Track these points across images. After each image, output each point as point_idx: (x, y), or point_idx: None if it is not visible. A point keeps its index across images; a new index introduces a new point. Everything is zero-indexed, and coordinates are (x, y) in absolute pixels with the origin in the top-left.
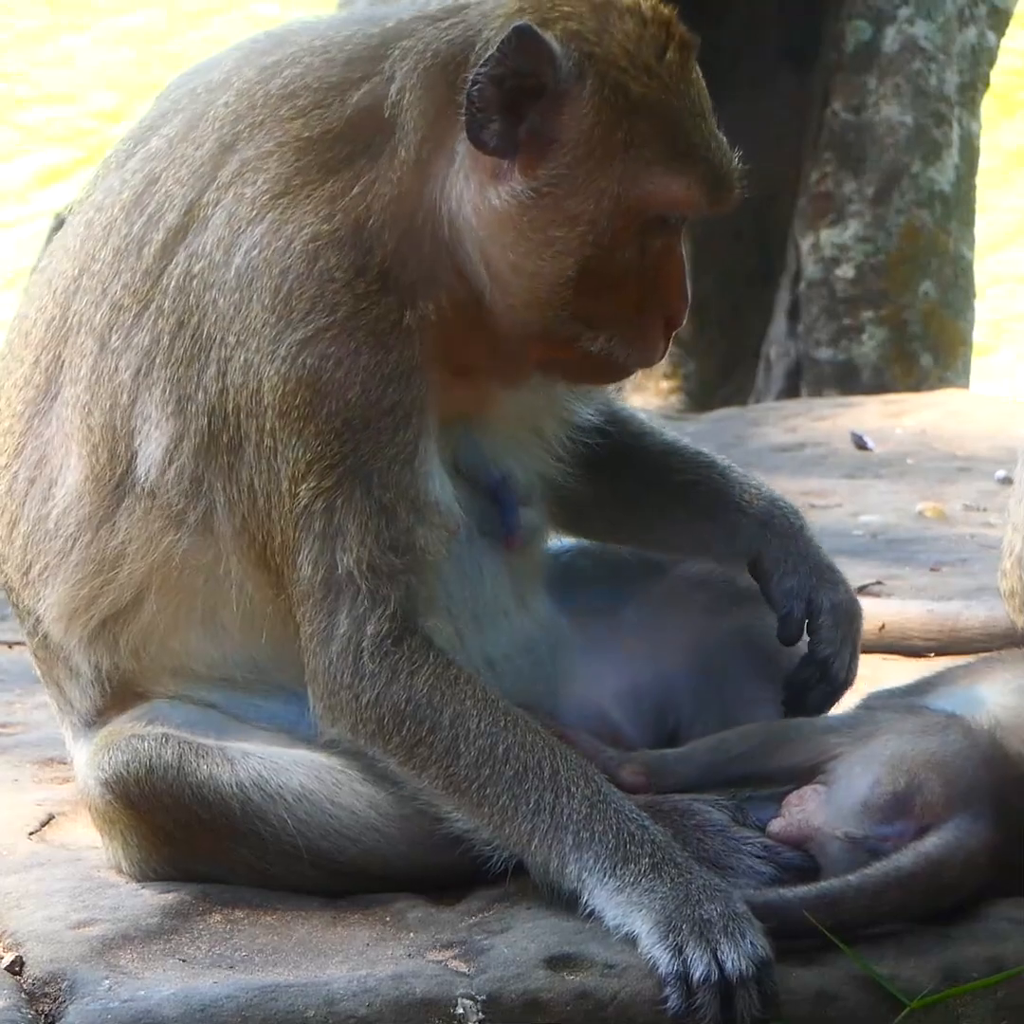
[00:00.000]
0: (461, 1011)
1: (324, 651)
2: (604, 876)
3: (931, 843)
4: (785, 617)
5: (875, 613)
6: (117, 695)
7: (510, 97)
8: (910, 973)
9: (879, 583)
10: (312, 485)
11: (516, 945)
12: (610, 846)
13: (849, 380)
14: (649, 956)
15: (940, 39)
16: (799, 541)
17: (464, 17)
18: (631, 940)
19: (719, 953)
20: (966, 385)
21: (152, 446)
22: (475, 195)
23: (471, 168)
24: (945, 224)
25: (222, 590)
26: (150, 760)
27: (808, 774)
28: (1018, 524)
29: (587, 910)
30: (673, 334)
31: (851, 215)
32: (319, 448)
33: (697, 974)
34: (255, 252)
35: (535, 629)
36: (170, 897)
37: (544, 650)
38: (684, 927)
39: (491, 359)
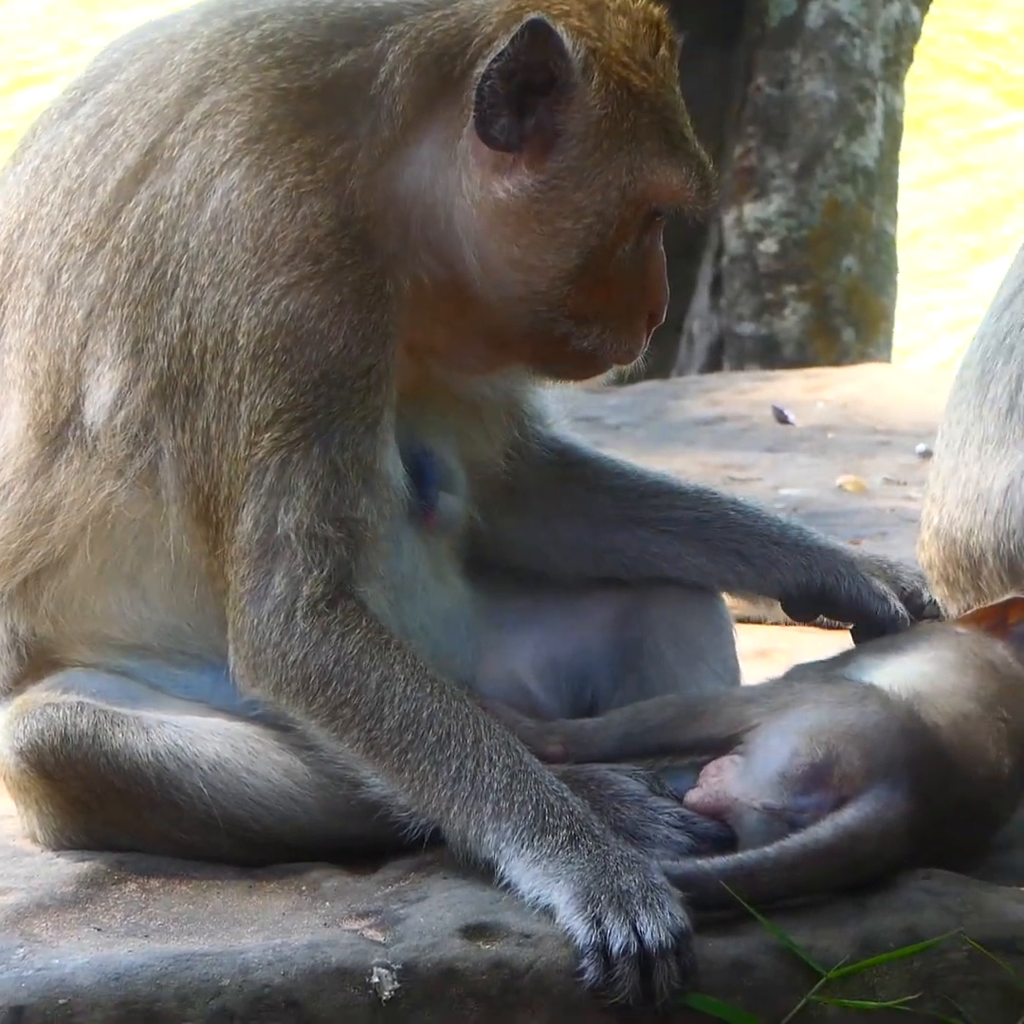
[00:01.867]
0: (376, 980)
1: (255, 609)
2: (522, 846)
3: (849, 815)
4: (891, 617)
5: None
6: (33, 663)
7: (518, 91)
8: (826, 943)
9: None
10: (275, 436)
11: (432, 914)
12: (529, 817)
13: (771, 354)
14: (567, 927)
15: (864, 14)
16: (842, 552)
17: (455, 9)
18: (548, 912)
19: (638, 924)
20: (888, 359)
21: (103, 388)
22: (477, 188)
23: (474, 162)
24: (868, 199)
25: (152, 547)
26: (64, 729)
27: (726, 745)
28: (937, 497)
29: (503, 881)
30: (653, 330)
31: (774, 190)
32: (291, 397)
33: (616, 946)
34: (233, 195)
35: (452, 602)
36: (85, 866)
37: (462, 623)
38: (602, 898)
39: (461, 346)
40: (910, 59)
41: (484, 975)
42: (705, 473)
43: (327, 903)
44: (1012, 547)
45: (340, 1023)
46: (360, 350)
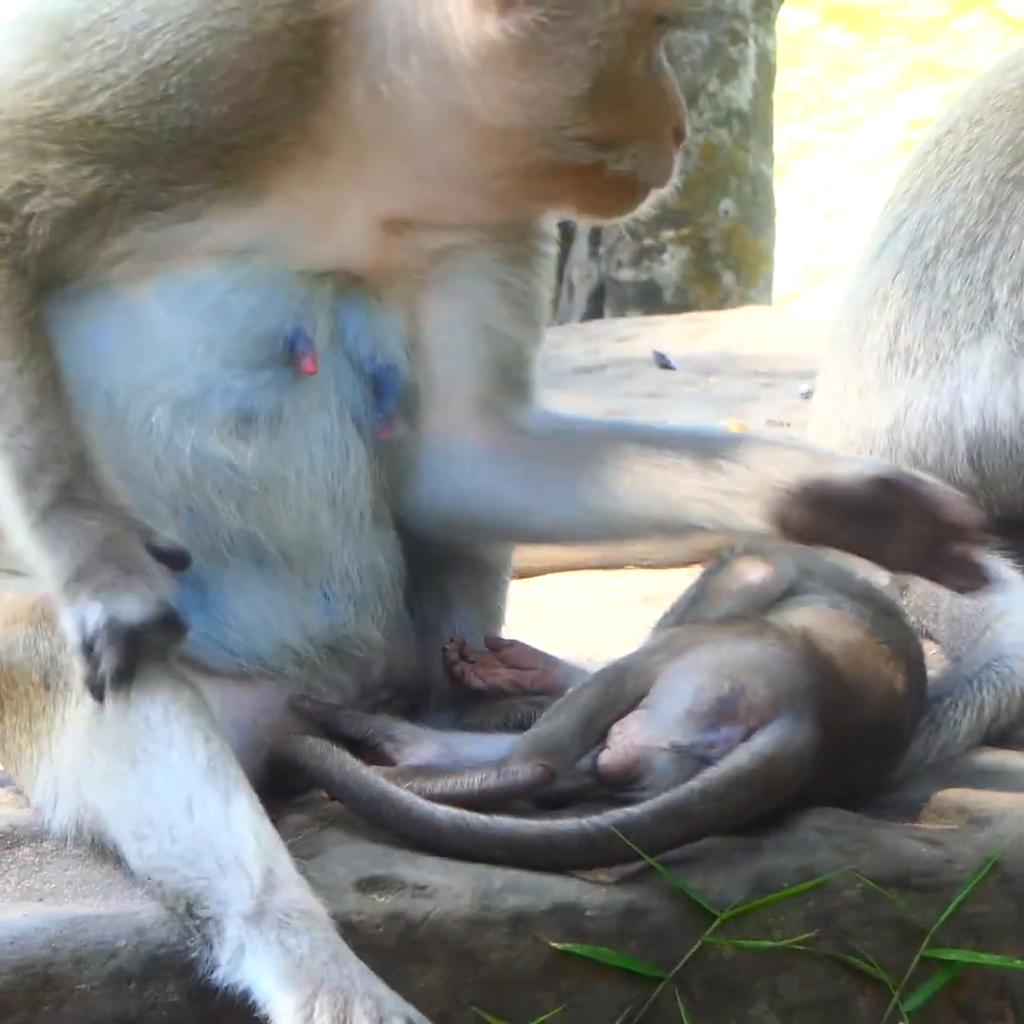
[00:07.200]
0: None
1: None
2: (12, 493)
3: (763, 741)
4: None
5: None
6: None
7: None
8: (720, 886)
9: None
10: (101, 136)
11: (326, 869)
12: (24, 459)
13: (652, 300)
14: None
15: None
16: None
17: None
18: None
19: (114, 605)
20: (768, 302)
21: None
22: (470, 30)
23: (466, 4)
24: (743, 142)
25: None
26: None
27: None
28: (818, 438)
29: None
30: (681, 148)
31: None
32: (143, 126)
33: (91, 623)
34: None
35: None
36: None
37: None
38: (89, 578)
39: (446, 190)
40: (781, 0)
41: (380, 927)
42: None
43: None
44: None
45: None
46: (247, 128)
